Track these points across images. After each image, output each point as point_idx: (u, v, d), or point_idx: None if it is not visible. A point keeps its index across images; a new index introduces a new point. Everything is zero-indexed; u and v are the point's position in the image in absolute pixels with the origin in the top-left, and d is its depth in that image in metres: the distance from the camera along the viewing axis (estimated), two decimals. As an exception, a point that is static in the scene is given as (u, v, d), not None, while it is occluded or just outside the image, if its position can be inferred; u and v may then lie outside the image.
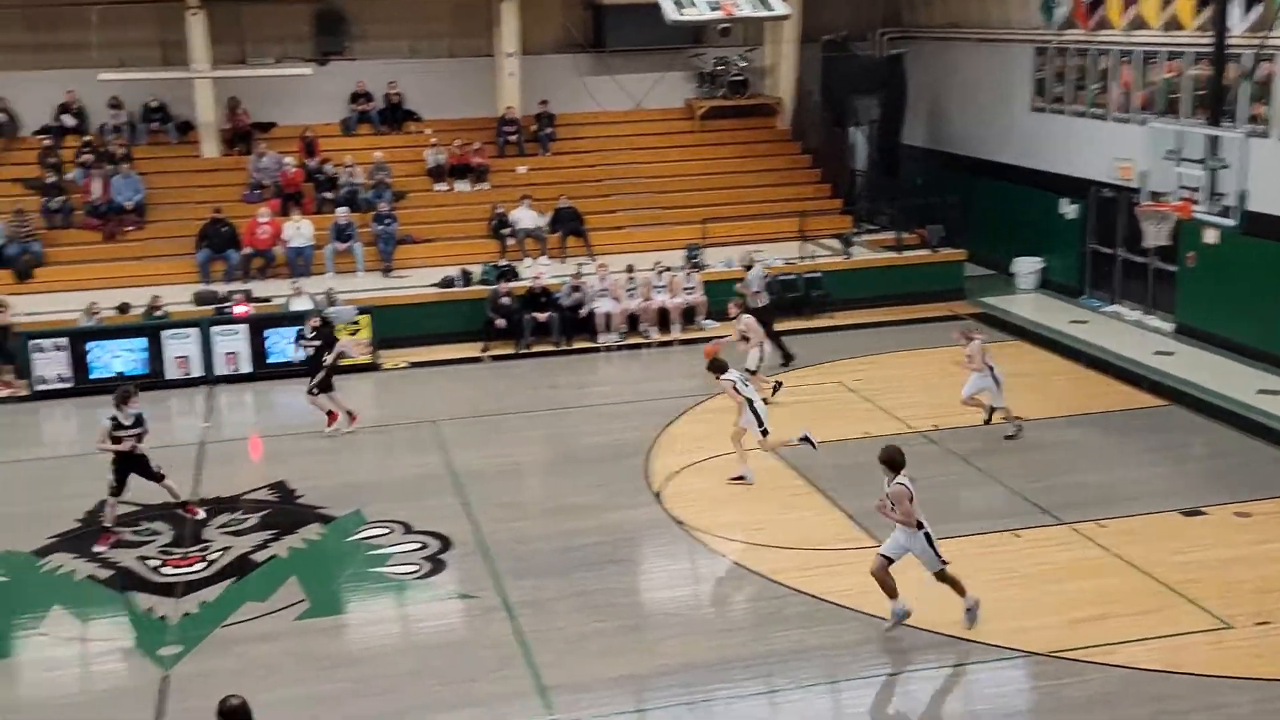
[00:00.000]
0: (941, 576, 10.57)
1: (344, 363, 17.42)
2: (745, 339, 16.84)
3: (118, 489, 13.23)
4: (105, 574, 12.35)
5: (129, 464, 13.27)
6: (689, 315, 21.25)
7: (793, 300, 21.64)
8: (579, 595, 11.61)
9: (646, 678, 10.12)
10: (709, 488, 14.25)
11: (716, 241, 22.78)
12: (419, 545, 12.82)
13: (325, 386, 16.50)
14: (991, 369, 15.39)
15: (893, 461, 10.50)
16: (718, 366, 14.44)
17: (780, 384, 17.27)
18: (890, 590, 10.52)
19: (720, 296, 21.54)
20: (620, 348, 20.31)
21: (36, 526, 13.43)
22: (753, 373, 16.29)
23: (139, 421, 13.32)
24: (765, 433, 14.07)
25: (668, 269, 21.34)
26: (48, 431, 17.70)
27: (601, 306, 20.80)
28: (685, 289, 21.33)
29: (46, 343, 18.49)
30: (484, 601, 11.57)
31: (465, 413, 17.07)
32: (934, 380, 17.51)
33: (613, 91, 26.85)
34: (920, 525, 10.38)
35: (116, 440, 13.16)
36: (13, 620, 11.49)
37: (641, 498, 14.04)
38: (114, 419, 13.23)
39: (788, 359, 18.86)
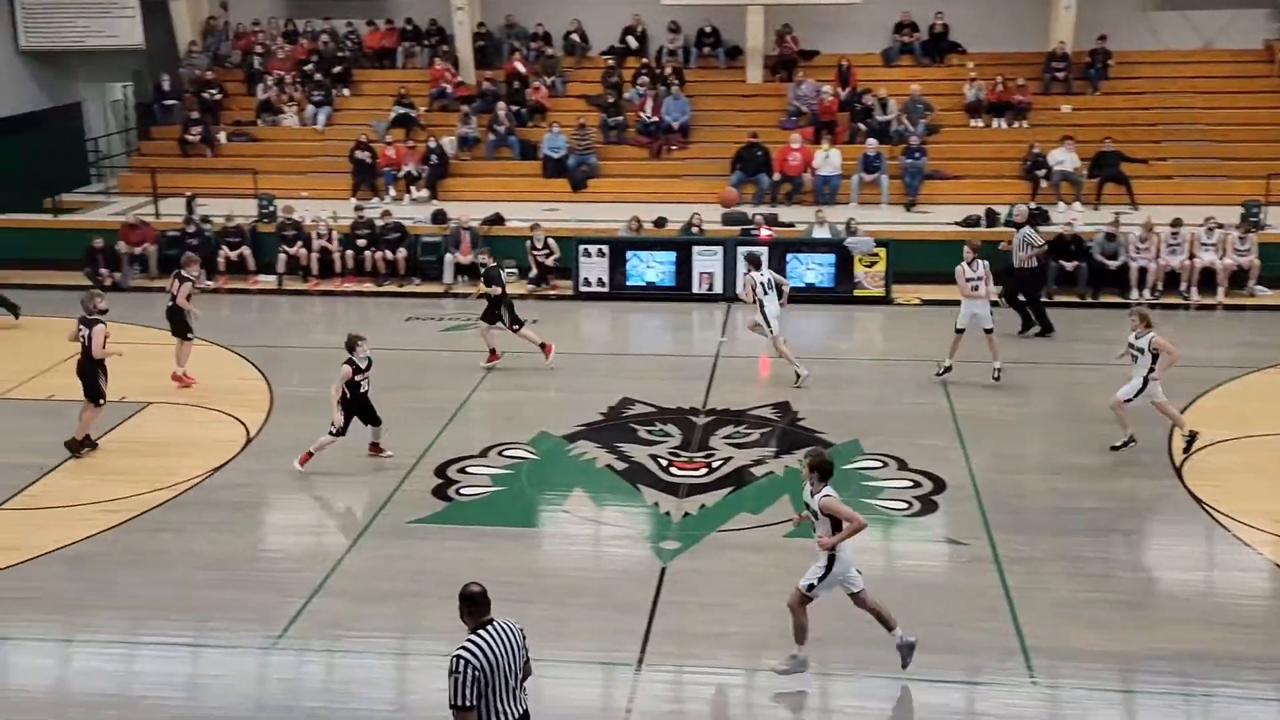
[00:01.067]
0: (801, 600, 9.13)
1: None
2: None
3: (343, 430, 13.04)
4: (621, 466, 13.35)
5: (360, 406, 13.13)
6: (1238, 279, 19.29)
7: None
8: (1074, 560, 11.03)
9: (1138, 658, 9.44)
10: (1240, 469, 12.95)
11: (1282, 200, 20.46)
12: (912, 483, 12.74)
13: (490, 319, 16.28)
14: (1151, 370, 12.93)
15: (822, 467, 9.02)
16: (753, 260, 15.96)
17: (999, 373, 15.55)
18: (800, 632, 9.17)
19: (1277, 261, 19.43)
20: (1154, 306, 18.85)
21: (568, 414, 14.76)
22: (960, 332, 15.57)
23: (370, 365, 13.13)
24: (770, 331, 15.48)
25: (1219, 226, 19.44)
26: (585, 329, 19.36)
27: (1138, 260, 19.38)
28: (1238, 250, 19.35)
29: (592, 249, 20.16)
30: (973, 550, 11.31)
31: (972, 356, 16.64)
32: None
33: (1180, 28, 24.74)
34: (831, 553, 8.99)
35: (356, 385, 12.93)
36: (540, 496, 12.79)
37: (1159, 469, 13.03)
38: (352, 363, 12.88)
39: (1045, 330, 17.57)
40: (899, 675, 9.25)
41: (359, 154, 23.40)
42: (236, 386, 15.84)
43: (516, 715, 6.69)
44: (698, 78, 25.42)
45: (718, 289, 19.91)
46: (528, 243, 20.34)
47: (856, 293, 19.65)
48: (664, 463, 13.40)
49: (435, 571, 11.05)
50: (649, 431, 14.32)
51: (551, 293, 20.31)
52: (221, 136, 24.74)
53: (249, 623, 10.18)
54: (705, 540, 11.59)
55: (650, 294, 20.04)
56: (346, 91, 25.93)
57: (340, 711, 9.00)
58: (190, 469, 13.26)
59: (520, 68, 25.37)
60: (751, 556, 11.25)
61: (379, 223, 21.13)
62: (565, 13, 26.26)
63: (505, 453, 13.72)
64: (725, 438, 14.10)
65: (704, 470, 13.19)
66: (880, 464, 13.23)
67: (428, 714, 8.65)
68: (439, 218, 21.61)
